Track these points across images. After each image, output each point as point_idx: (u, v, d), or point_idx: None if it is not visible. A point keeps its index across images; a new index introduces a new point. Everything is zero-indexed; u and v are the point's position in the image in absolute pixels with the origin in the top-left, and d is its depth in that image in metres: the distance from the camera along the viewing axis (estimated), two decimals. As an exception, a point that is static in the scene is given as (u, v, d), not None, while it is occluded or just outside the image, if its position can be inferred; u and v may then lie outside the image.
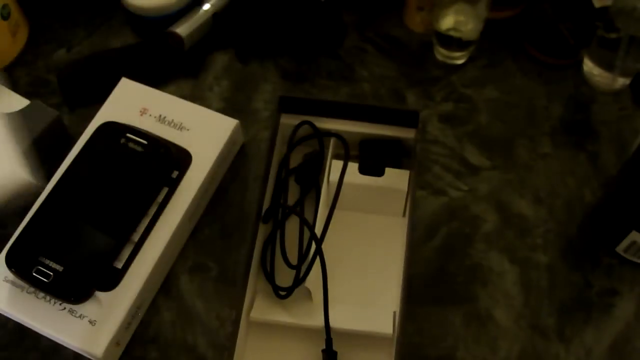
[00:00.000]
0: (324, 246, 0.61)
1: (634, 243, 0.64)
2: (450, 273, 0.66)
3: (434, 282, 0.66)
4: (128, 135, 0.66)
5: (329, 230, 0.62)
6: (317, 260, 0.60)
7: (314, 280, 0.61)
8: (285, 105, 0.69)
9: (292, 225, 0.67)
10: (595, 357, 0.62)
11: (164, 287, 0.66)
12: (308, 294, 0.62)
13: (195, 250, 0.68)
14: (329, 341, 0.60)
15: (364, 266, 0.66)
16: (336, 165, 0.67)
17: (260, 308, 0.63)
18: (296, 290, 0.62)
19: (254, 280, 0.64)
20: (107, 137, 0.67)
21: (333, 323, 0.60)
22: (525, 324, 0.64)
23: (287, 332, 0.63)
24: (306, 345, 0.62)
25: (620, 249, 0.66)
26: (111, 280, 0.61)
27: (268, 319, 0.62)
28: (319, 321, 0.60)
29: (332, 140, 0.69)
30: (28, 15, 0.83)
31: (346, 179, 0.65)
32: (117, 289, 0.61)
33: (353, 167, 0.67)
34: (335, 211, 0.62)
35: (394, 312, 0.61)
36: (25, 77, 0.79)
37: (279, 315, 0.62)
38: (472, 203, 0.70)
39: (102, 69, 0.77)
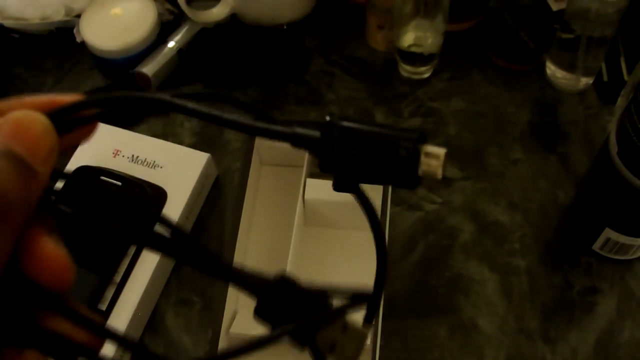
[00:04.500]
0: (300, 262, 0.61)
1: (609, 240, 0.64)
2: (432, 286, 0.67)
3: (415, 296, 0.66)
4: (102, 177, 0.67)
5: (303, 247, 0.61)
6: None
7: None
8: None
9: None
10: (581, 356, 0.63)
11: (150, 324, 0.66)
12: None
13: (178, 286, 0.68)
14: None
15: (340, 282, 0.65)
16: (311, 184, 0.68)
17: (241, 323, 0.63)
18: None
19: (235, 299, 0.64)
20: (81, 181, 0.67)
21: None
22: (509, 330, 0.64)
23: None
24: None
25: (596, 246, 0.66)
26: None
27: (249, 334, 0.62)
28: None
29: (307, 158, 0.70)
30: (-5, 67, 0.84)
31: (320, 196, 0.66)
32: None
33: (327, 184, 0.68)
34: (310, 228, 0.62)
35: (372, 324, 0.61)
36: (-2, 128, 0.79)
37: (261, 329, 0.62)
38: (447, 215, 0.71)
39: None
